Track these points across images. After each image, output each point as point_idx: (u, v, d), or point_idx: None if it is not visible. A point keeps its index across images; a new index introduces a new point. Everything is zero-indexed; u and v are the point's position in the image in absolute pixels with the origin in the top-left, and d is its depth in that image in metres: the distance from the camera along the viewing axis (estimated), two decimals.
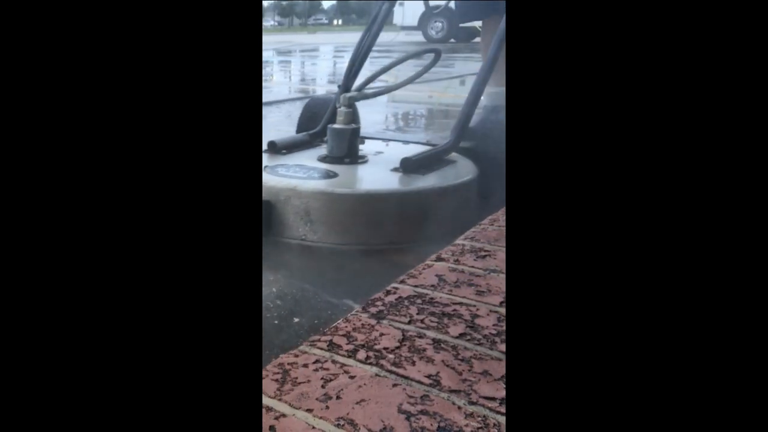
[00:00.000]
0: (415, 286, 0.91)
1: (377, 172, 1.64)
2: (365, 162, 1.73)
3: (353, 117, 1.73)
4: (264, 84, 6.05)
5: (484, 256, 1.04)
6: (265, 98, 4.46)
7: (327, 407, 0.61)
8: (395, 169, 1.60)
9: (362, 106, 1.94)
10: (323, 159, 1.71)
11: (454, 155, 1.75)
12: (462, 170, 1.66)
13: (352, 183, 1.58)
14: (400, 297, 0.87)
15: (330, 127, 1.72)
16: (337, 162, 1.68)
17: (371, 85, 1.79)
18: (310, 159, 1.72)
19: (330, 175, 1.58)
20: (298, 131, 2.09)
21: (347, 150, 1.70)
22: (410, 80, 1.85)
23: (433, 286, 0.91)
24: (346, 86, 1.99)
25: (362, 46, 2.09)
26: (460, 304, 0.85)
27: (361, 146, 1.83)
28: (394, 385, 0.65)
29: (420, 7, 11.82)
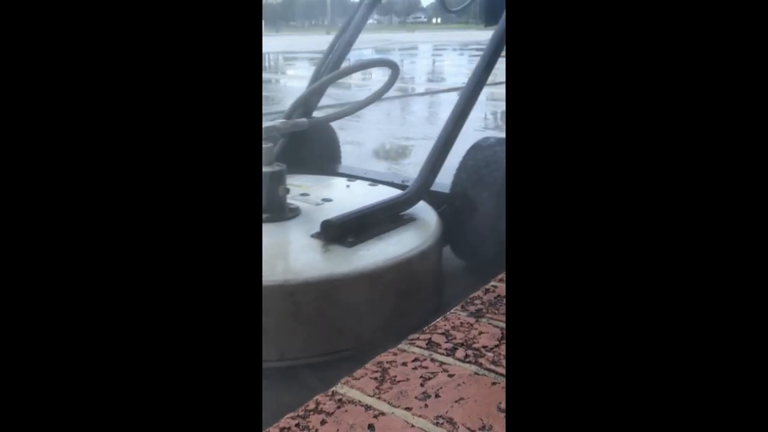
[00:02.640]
0: None
1: (292, 240, 1.16)
2: (293, 217, 1.23)
3: (277, 155, 1.25)
4: (364, 83, 6.12)
5: None
6: (365, 96, 4.51)
7: (426, 405, 0.61)
8: (316, 235, 1.13)
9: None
10: None
11: (420, 207, 1.28)
12: (414, 237, 1.16)
13: None
14: (498, 295, 0.87)
15: None
16: None
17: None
18: None
19: None
20: None
21: (266, 201, 1.20)
22: (368, 102, 1.45)
23: None
24: (307, 106, 1.51)
25: (332, 55, 1.67)
26: None
27: (313, 186, 1.41)
28: (493, 384, 0.65)
29: None
